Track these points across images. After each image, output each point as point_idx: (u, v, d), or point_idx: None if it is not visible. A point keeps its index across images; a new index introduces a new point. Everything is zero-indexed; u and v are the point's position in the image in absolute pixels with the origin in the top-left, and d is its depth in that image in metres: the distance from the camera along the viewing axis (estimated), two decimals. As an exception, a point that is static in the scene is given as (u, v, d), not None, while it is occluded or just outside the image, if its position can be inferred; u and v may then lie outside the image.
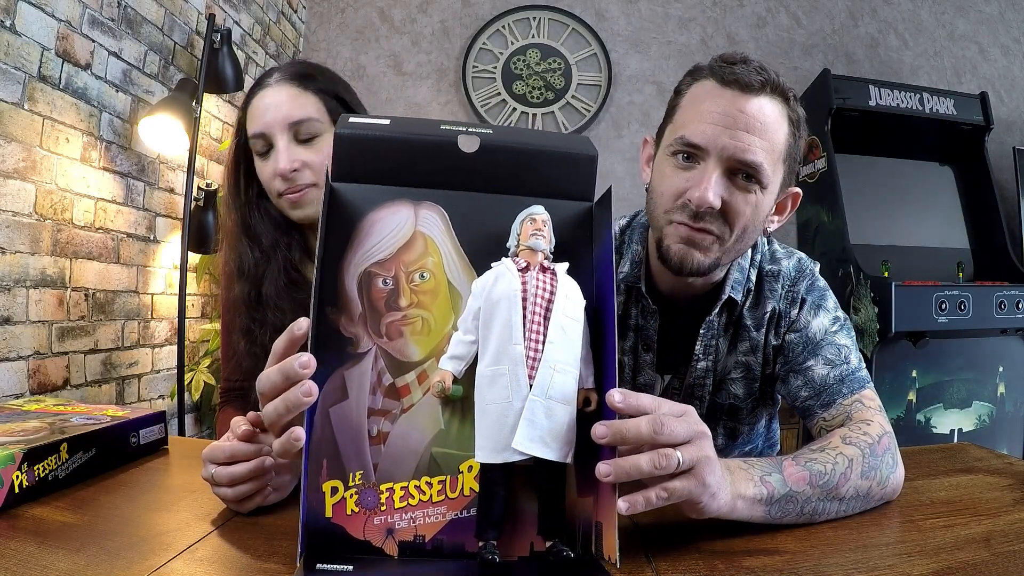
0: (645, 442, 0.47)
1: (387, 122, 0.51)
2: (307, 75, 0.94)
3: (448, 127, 0.51)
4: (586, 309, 0.50)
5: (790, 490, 0.59)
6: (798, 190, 0.82)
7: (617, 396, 0.47)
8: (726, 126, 0.71)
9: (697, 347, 0.84)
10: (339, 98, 0.95)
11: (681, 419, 0.50)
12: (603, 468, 0.46)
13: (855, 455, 0.65)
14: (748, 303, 0.85)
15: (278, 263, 0.96)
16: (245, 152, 0.98)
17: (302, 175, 0.90)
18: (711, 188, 0.71)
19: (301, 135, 0.91)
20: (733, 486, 0.55)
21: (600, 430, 0.47)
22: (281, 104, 0.91)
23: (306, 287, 0.92)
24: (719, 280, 0.84)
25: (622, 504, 0.47)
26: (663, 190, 0.77)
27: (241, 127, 0.97)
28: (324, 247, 0.48)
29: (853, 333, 0.83)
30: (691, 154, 0.74)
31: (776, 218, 0.81)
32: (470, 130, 0.51)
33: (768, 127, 0.72)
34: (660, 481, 0.49)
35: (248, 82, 2.34)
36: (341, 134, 0.50)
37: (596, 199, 0.53)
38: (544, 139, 0.54)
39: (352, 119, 0.51)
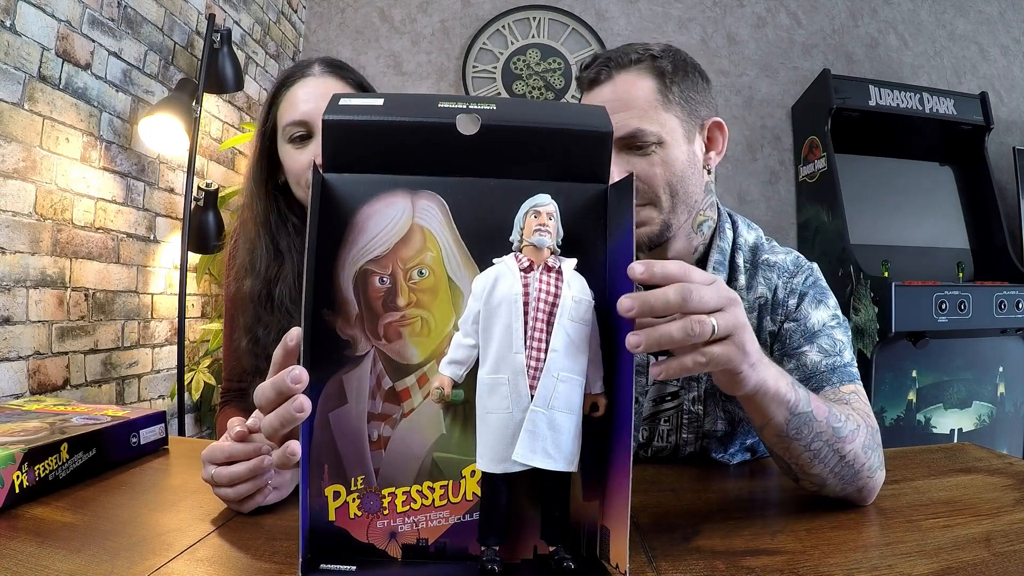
0: (674, 311, 0.45)
1: (380, 102, 0.47)
2: (346, 68, 0.97)
3: (447, 104, 0.46)
4: (597, 308, 0.46)
5: (811, 412, 0.58)
6: (717, 119, 0.85)
7: (639, 267, 0.44)
8: None
9: None
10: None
11: (711, 286, 0.47)
12: (632, 339, 0.43)
13: (862, 425, 0.65)
14: (738, 285, 0.86)
15: (292, 266, 0.94)
16: (271, 142, 0.96)
17: None
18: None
19: None
20: (768, 370, 0.54)
21: (626, 303, 0.43)
22: (327, 95, 0.90)
23: None
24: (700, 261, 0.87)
25: (655, 370, 0.45)
26: None
27: (269, 116, 0.95)
28: (316, 244, 0.45)
29: (850, 335, 0.84)
30: None
31: (712, 154, 0.86)
32: (470, 107, 0.46)
33: (626, 97, 0.79)
34: (695, 349, 0.47)
35: (248, 82, 2.34)
36: (330, 121, 0.46)
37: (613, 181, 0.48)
38: (553, 114, 0.48)
39: (343, 101, 0.47)
